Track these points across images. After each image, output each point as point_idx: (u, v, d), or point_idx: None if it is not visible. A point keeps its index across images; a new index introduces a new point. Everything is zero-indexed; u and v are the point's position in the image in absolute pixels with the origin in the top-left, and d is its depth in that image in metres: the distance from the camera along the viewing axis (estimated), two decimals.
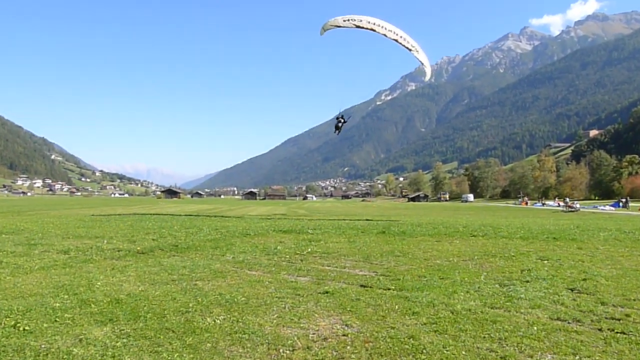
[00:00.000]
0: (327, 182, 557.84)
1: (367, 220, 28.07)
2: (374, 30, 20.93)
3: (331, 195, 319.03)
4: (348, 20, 21.50)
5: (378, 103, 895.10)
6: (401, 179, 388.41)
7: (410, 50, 21.28)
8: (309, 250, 11.75)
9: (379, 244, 13.23)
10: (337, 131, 29.74)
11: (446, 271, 8.93)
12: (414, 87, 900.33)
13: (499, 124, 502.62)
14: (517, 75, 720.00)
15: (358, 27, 20.90)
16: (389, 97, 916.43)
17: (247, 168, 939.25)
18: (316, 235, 15.60)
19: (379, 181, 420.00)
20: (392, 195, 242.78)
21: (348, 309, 6.47)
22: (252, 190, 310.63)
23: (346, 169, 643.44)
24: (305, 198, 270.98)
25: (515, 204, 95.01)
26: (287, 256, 10.83)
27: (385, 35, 20.96)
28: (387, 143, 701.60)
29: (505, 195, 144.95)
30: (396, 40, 21.21)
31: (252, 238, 14.90)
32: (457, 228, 18.49)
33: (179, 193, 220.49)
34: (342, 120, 28.55)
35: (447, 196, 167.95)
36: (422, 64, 22.90)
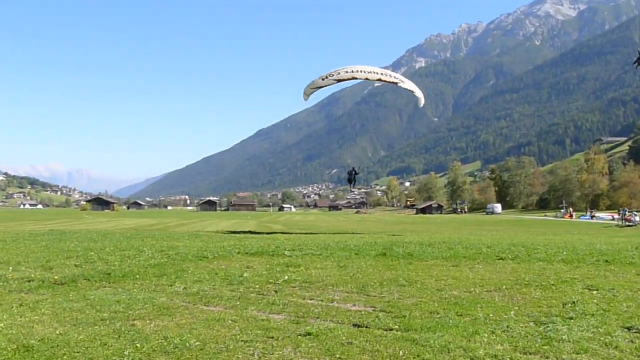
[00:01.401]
0: (310, 188, 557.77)
1: (363, 237, 28.10)
2: (355, 78, 28.40)
3: (315, 206, 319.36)
4: (327, 77, 29.52)
5: (377, 84, 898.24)
6: (407, 184, 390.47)
7: (396, 83, 28.63)
8: (286, 278, 11.73)
9: (378, 269, 13.25)
10: (351, 185, 37.27)
11: (465, 305, 8.97)
12: (423, 64, 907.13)
13: (535, 112, 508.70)
14: (558, 49, 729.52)
15: (339, 80, 27.84)
16: None
17: (204, 169, 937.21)
18: (295, 259, 15.57)
19: (377, 187, 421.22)
20: (395, 206, 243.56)
21: (337, 356, 6.45)
22: (211, 198, 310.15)
23: (334, 170, 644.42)
24: (281, 209, 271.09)
25: (556, 216, 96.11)
26: (257, 286, 10.81)
27: (367, 78, 27.78)
28: (389, 137, 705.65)
29: (543, 205, 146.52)
30: (380, 79, 28.18)
31: (210, 262, 14.84)
32: (479, 249, 18.61)
33: (112, 203, 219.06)
34: (355, 172, 36.05)
35: (467, 207, 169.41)
36: (412, 91, 30.00)
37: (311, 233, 37.54)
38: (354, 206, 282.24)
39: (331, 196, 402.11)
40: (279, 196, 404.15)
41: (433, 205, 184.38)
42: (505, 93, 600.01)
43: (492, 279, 11.70)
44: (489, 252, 17.12)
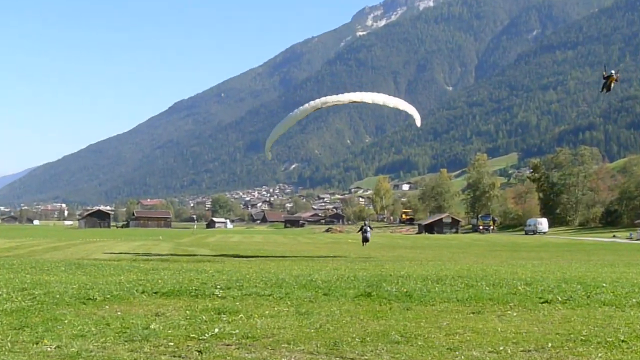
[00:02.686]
0: (256, 193, 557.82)
1: (337, 269, 28.20)
2: (328, 105, 37.66)
3: (264, 220, 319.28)
4: (288, 121, 39.20)
5: (360, 33, 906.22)
6: (405, 186, 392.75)
7: (377, 103, 37.89)
8: (216, 331, 11.67)
9: (359, 318, 13.28)
10: (365, 243, 53.68)
11: None
12: (431, 3, 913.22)
13: (600, 78, 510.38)
14: None
15: (306, 115, 37.04)
16: (382, 22, 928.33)
17: (90, 163, 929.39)
18: (232, 302, 15.54)
19: (360, 191, 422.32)
20: (387, 220, 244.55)
21: None
22: (102, 208, 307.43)
23: (294, 165, 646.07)
24: (211, 224, 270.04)
25: (630, 237, 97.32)
26: (171, 344, 10.73)
27: (336, 103, 37.63)
28: (378, 114, 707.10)
29: (611, 220, 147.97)
30: (353, 101, 38.02)
31: (98, 307, 14.73)
32: (514, 286, 18.79)
33: None
34: (368, 229, 51.78)
35: (493, 223, 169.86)
36: (403, 110, 40.68)
37: (257, 257, 37.48)
38: (323, 221, 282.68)
39: (288, 205, 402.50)
40: (208, 205, 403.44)
41: (444, 220, 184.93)
42: (555, 49, 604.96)
43: (533, 332, 11.80)
44: (528, 292, 17.30)
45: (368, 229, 50.67)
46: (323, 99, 35.91)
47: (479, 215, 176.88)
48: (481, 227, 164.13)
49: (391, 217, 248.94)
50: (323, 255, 48.99)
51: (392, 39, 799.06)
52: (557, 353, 10.16)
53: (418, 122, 40.75)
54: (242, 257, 46.37)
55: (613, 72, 41.28)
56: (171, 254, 48.84)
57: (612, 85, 42.18)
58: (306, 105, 36.37)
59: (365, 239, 51.50)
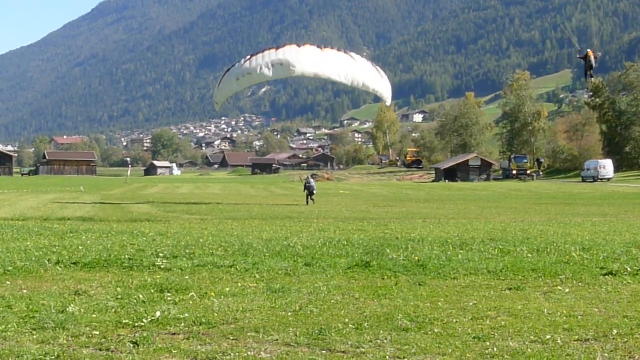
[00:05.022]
0: (212, 127, 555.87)
1: (323, 230, 28.26)
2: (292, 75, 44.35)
3: (223, 164, 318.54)
4: (244, 75, 43.49)
5: None
6: (417, 117, 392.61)
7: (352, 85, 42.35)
8: (158, 315, 11.61)
9: (353, 296, 13.28)
10: (312, 197, 57.09)
11: None
12: None
13: None
14: None
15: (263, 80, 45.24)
16: None
17: None
18: (180, 275, 15.55)
19: (355, 124, 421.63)
20: (393, 164, 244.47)
21: None
22: (0, 149, 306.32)
23: (265, 89, 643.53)
24: (151, 170, 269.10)
25: None
26: (96, 332, 10.66)
27: (316, 74, 42.95)
28: (380, 18, 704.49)
29: None
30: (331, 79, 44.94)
31: None
32: (566, 252, 18.85)
33: None
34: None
35: (539, 166, 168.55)
36: (375, 91, 45.37)
37: (214, 210, 37.44)
38: (305, 165, 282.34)
39: (257, 144, 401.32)
40: (147, 144, 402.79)
41: (471, 163, 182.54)
42: None
43: (592, 315, 11.83)
44: (585, 261, 17.37)
45: (311, 179, 52.35)
46: (292, 63, 39.03)
47: (512, 156, 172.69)
48: (514, 172, 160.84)
49: (397, 159, 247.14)
50: (298, 208, 49.11)
51: None
52: (624, 343, 10.13)
53: (387, 101, 45.60)
54: (193, 212, 46.43)
55: (588, 50, 46.36)
56: (98, 204, 48.93)
57: (594, 62, 46.06)
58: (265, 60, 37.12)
59: (310, 192, 53.12)
